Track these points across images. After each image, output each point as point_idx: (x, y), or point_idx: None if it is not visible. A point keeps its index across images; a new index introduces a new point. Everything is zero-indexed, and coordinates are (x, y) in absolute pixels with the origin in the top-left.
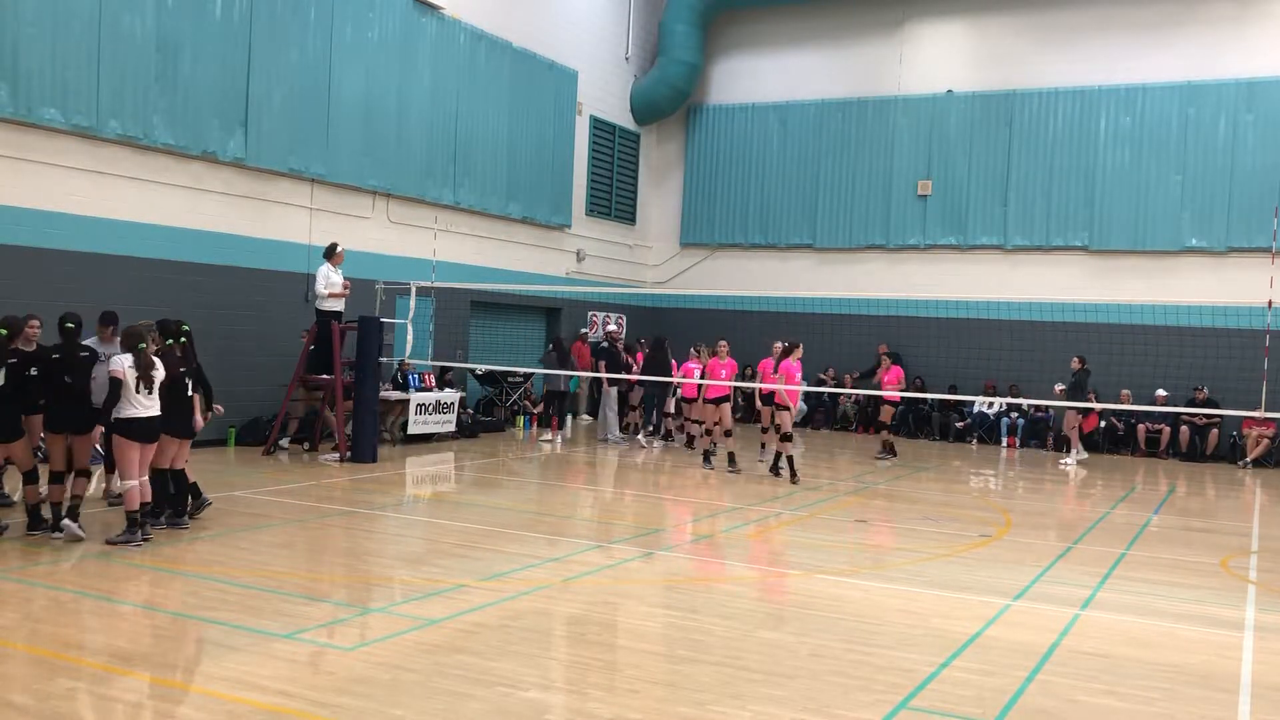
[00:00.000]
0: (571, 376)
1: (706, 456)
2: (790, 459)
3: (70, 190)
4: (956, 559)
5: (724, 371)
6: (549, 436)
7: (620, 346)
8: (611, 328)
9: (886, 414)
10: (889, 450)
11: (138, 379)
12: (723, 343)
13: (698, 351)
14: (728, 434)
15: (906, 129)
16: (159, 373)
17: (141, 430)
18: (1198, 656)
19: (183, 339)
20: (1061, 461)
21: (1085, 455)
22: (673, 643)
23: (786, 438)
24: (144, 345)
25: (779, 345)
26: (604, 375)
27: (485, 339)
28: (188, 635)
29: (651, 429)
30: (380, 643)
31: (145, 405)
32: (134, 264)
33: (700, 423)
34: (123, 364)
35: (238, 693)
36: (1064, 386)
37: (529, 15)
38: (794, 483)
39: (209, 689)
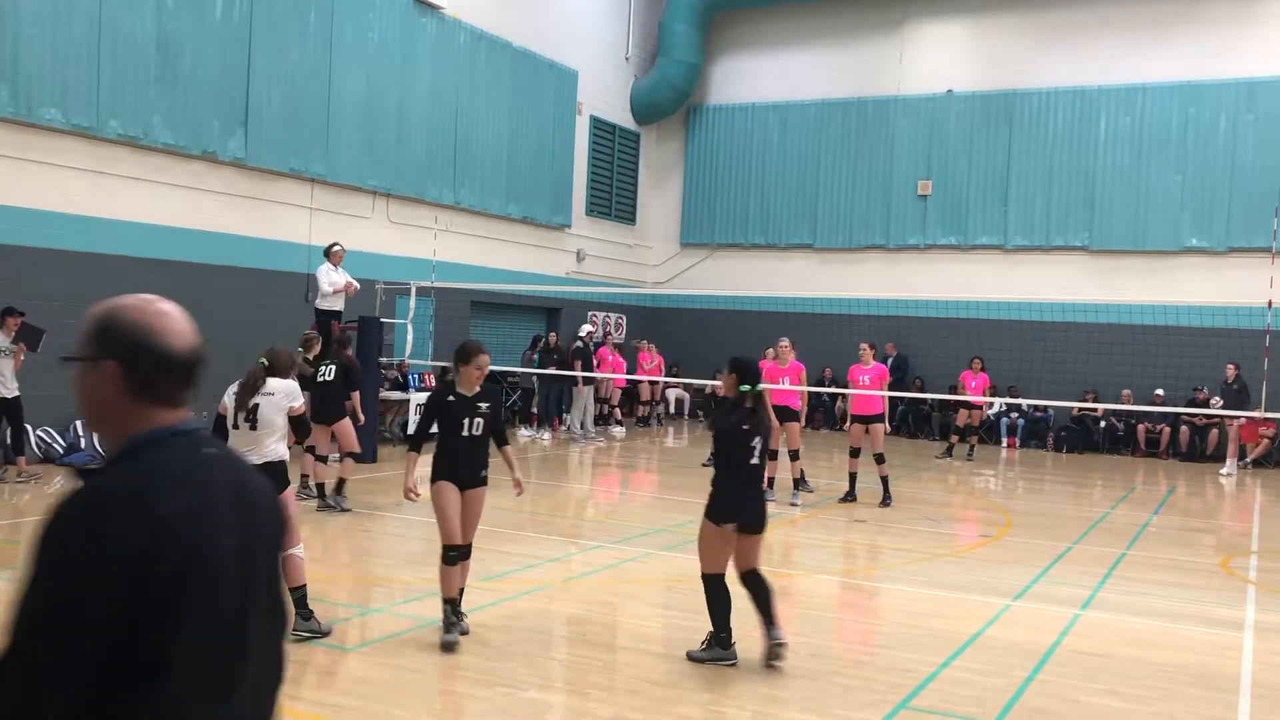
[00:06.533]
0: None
1: (770, 483)
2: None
3: (70, 190)
4: (956, 559)
5: (785, 379)
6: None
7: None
8: (586, 328)
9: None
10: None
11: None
12: (784, 341)
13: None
14: (794, 455)
15: (906, 129)
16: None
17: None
18: (1198, 656)
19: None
20: (1223, 471)
21: (1235, 466)
22: (673, 643)
23: (880, 459)
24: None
25: (868, 346)
26: (580, 374)
27: (486, 339)
28: None
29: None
30: (380, 643)
31: None
32: (134, 264)
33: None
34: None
35: None
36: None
37: (529, 15)
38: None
39: None
